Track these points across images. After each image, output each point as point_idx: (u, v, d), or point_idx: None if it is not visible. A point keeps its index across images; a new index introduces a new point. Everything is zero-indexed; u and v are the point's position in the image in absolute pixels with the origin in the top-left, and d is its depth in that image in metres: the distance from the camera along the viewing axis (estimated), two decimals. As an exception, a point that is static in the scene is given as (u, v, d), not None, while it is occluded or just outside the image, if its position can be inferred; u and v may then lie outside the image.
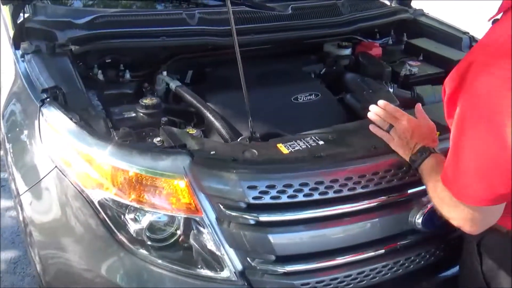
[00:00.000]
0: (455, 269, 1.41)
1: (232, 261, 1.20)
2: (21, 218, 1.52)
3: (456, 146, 0.96)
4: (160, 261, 1.22)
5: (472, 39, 2.03)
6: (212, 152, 1.21)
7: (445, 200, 1.03)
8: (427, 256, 1.38)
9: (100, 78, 1.70)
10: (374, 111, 1.29)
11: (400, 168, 1.25)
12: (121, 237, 1.23)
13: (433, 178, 1.09)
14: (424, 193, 1.28)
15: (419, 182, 1.22)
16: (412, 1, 2.33)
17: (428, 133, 1.22)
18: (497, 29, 0.94)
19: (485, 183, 0.92)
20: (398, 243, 1.33)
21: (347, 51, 2.05)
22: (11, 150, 1.57)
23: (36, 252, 1.43)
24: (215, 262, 1.22)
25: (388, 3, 2.30)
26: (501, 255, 1.10)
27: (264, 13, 1.86)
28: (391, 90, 1.77)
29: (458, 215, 1.01)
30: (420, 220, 1.28)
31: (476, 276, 1.16)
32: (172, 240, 1.26)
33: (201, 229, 1.20)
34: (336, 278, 1.27)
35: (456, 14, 3.73)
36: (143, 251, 1.23)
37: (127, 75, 1.74)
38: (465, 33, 2.08)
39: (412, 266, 1.36)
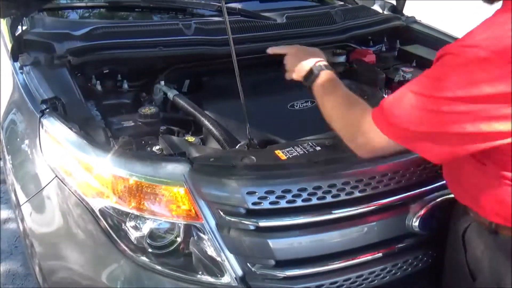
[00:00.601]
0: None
1: (232, 267, 1.21)
2: (21, 229, 1.53)
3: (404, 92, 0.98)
4: (161, 268, 1.23)
5: (464, 45, 2.06)
6: (211, 159, 1.23)
7: (354, 123, 1.06)
8: (425, 258, 1.39)
9: (98, 89, 1.71)
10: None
11: (397, 172, 1.27)
12: (122, 245, 1.24)
13: (328, 91, 1.17)
14: (421, 196, 1.31)
15: (416, 185, 1.24)
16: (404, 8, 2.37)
17: (314, 52, 1.29)
18: (488, 22, 0.94)
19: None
20: (396, 246, 1.34)
21: (342, 58, 2.08)
22: (11, 161, 1.58)
23: (36, 262, 1.43)
24: (215, 268, 1.23)
25: (380, 11, 2.34)
26: (484, 246, 1.11)
27: (259, 22, 1.89)
28: (385, 95, 1.80)
29: (362, 140, 1.05)
30: (417, 223, 1.30)
31: (461, 267, 1.18)
32: (173, 247, 1.27)
33: (202, 235, 1.22)
34: (335, 282, 1.28)
35: (447, 20, 3.78)
36: (144, 259, 1.24)
37: (125, 85, 1.75)
38: (456, 39, 2.11)
39: (410, 269, 1.38)
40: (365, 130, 1.03)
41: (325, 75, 1.22)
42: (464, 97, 0.87)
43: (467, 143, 0.92)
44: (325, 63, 1.26)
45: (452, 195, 1.17)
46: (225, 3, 1.39)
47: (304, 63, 1.26)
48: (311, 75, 1.23)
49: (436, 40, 2.14)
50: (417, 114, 0.94)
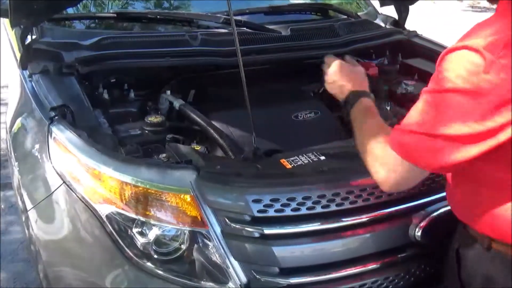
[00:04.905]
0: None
1: (237, 274, 1.22)
2: (27, 235, 1.54)
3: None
4: (166, 274, 1.24)
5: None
6: (217, 167, 1.25)
7: (378, 156, 1.04)
8: (428, 268, 1.40)
9: (106, 97, 1.74)
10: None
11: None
12: (128, 250, 1.25)
13: (361, 121, 1.16)
14: (424, 206, 1.32)
15: (419, 195, 1.26)
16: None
17: (355, 75, 1.32)
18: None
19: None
20: (399, 255, 1.36)
21: (344, 71, 2.10)
22: (18, 168, 1.59)
23: (42, 268, 1.45)
24: (220, 275, 1.24)
25: (382, 25, 2.38)
26: (477, 264, 1.10)
27: (264, 35, 1.92)
28: (388, 108, 1.83)
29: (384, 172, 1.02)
30: (419, 233, 1.31)
31: (455, 282, 1.17)
32: (178, 254, 1.28)
33: (207, 242, 1.23)
34: (338, 291, 1.30)
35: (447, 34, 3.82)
36: (149, 264, 1.25)
37: (132, 94, 1.78)
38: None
39: (412, 278, 1.39)
40: (386, 161, 1.01)
41: (361, 104, 1.20)
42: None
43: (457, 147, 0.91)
44: (365, 89, 1.26)
45: None
46: (232, 16, 1.42)
47: (345, 83, 1.28)
48: (353, 98, 1.23)
49: (437, 54, 2.15)
50: (422, 111, 0.96)
